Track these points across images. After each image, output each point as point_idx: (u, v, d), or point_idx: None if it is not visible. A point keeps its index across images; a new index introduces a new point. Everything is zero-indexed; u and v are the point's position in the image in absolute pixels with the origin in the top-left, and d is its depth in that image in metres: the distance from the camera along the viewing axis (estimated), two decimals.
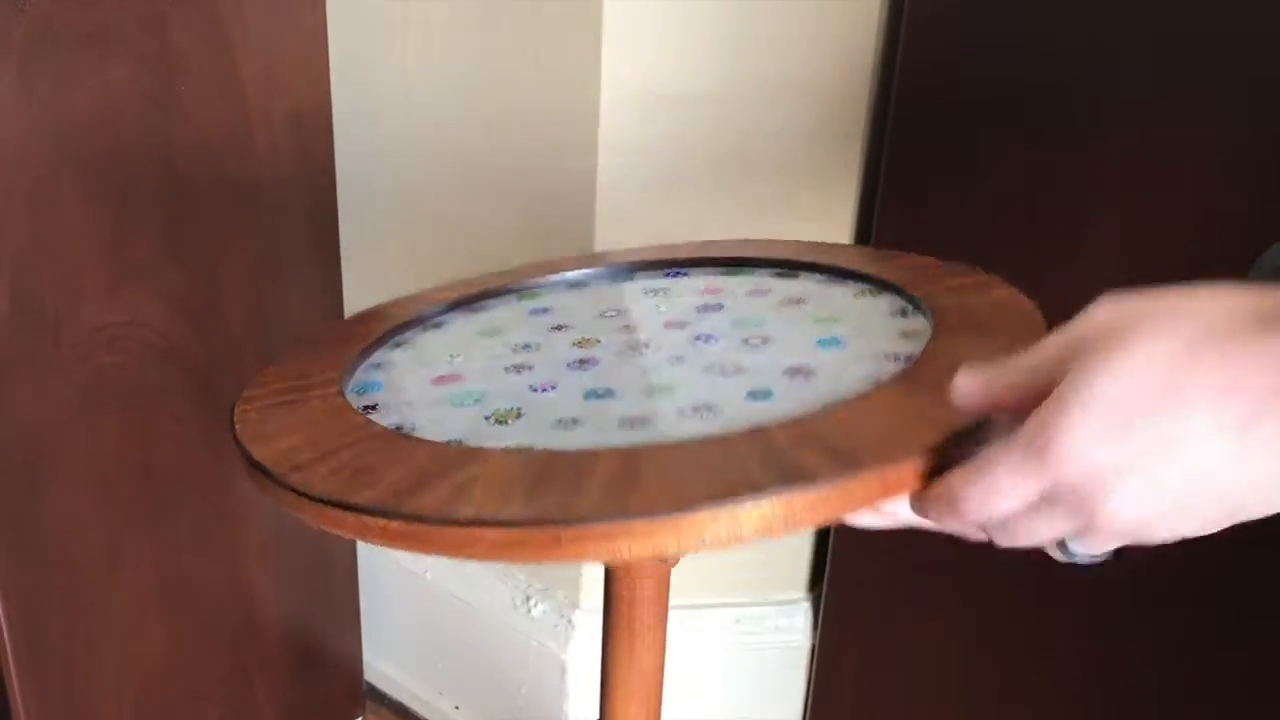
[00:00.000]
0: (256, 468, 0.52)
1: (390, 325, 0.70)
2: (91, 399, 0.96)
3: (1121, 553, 0.47)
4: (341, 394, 0.60)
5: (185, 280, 0.99)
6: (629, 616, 0.70)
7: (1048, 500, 0.42)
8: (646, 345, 0.66)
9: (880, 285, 0.70)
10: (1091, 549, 0.46)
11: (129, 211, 0.94)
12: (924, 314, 0.64)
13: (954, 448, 0.47)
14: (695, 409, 0.56)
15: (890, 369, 0.57)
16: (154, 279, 0.97)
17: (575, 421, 0.56)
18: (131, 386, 0.99)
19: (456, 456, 0.52)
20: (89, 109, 0.88)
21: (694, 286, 0.74)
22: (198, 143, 0.95)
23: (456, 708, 1.38)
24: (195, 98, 0.95)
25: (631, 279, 0.77)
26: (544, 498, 0.47)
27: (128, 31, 0.89)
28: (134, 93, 0.90)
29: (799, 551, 1.30)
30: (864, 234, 1.12)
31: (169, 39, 0.92)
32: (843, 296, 0.70)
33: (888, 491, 0.47)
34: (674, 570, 0.67)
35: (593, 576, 1.21)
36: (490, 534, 0.46)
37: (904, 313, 0.66)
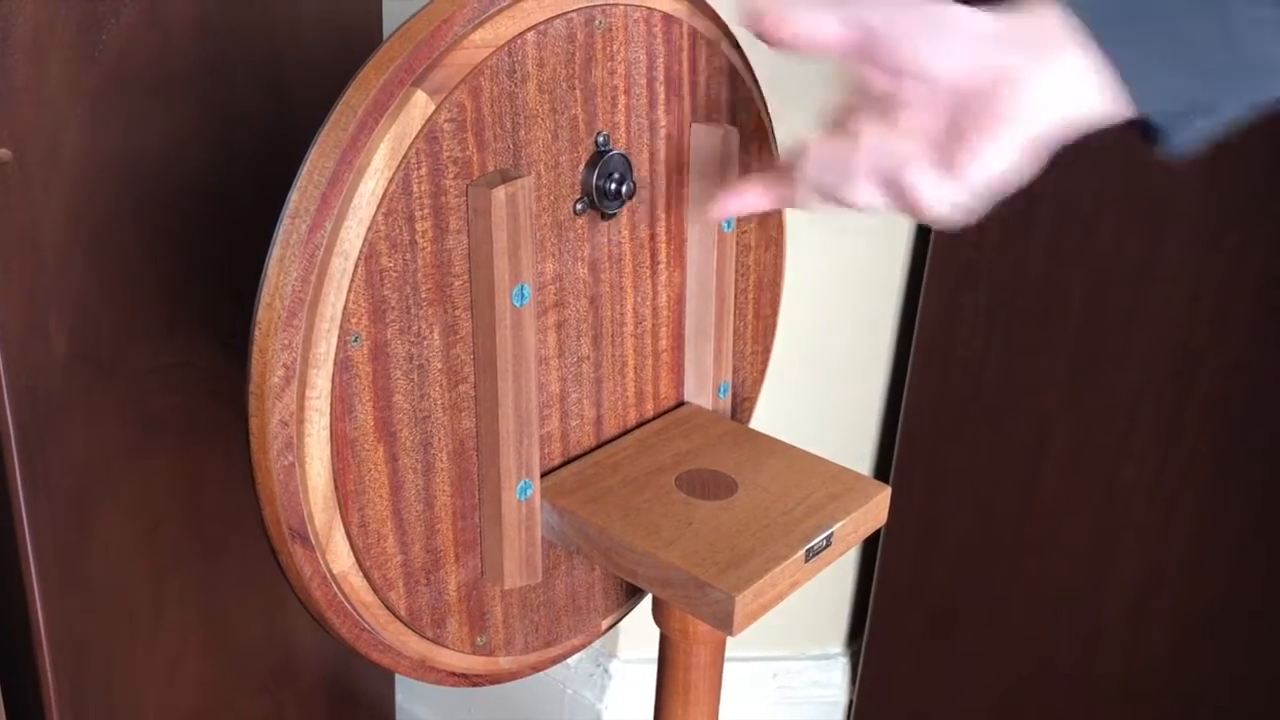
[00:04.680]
0: None
1: None
2: (143, 438, 0.96)
3: None
4: None
5: (240, 323, 1.00)
6: (684, 682, 0.70)
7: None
8: None
9: None
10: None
11: (189, 254, 0.95)
12: None
13: None
14: None
15: None
16: (209, 321, 0.98)
17: None
18: (183, 426, 0.99)
19: None
20: (154, 154, 0.89)
21: None
22: (258, 189, 0.96)
23: None
24: (254, 143, 0.96)
25: None
26: None
27: (195, 80, 0.90)
28: (198, 139, 0.91)
29: (837, 606, 1.29)
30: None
31: (234, 88, 0.93)
32: None
33: None
34: None
35: (630, 626, 1.20)
36: None
37: None
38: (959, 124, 0.52)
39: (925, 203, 0.53)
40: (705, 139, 0.71)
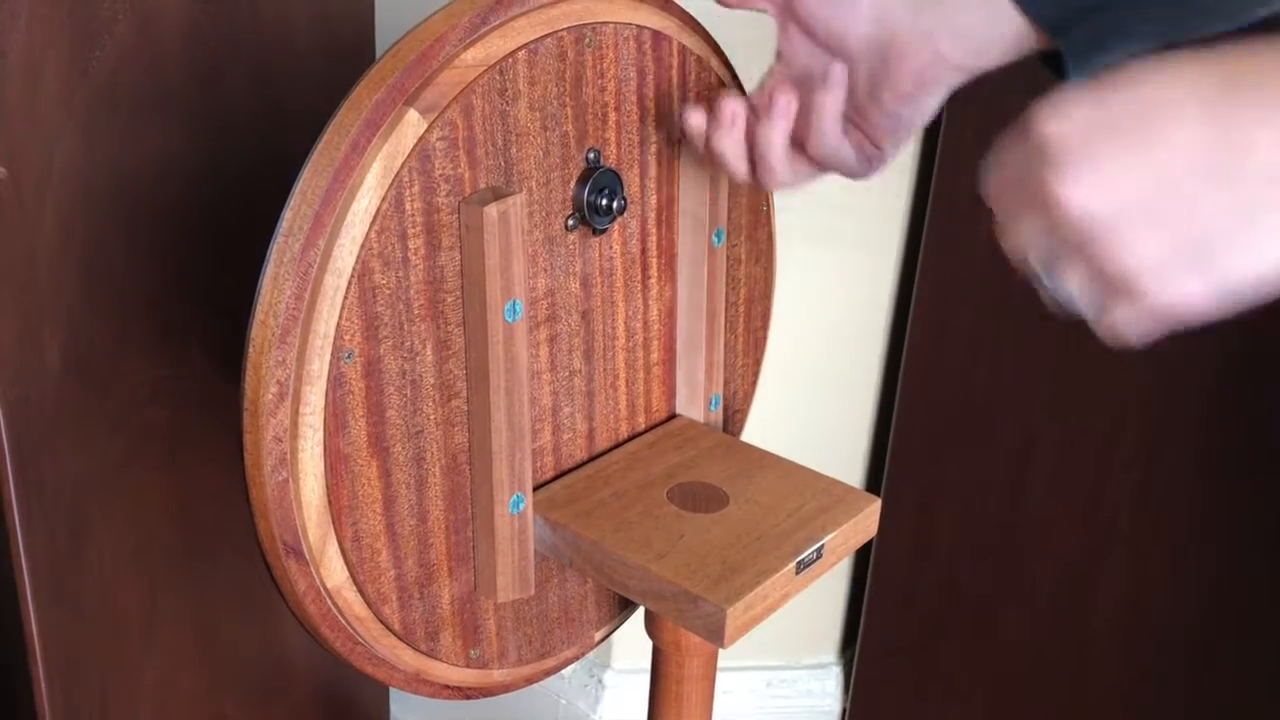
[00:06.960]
0: None
1: None
2: (136, 451, 0.96)
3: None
4: None
5: (229, 334, 1.00)
6: (677, 694, 0.70)
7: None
8: None
9: None
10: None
11: (182, 268, 0.95)
12: None
13: None
14: None
15: None
16: (199, 333, 0.98)
17: None
18: (174, 438, 0.99)
19: None
20: (146, 168, 0.90)
21: None
22: (250, 203, 0.97)
23: None
24: (246, 158, 0.96)
25: None
26: None
27: (188, 95, 0.90)
28: (191, 154, 0.92)
29: (831, 614, 1.29)
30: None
31: (227, 103, 0.93)
32: None
33: None
34: None
35: (625, 637, 1.21)
36: None
37: None
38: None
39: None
40: (695, 154, 0.72)
